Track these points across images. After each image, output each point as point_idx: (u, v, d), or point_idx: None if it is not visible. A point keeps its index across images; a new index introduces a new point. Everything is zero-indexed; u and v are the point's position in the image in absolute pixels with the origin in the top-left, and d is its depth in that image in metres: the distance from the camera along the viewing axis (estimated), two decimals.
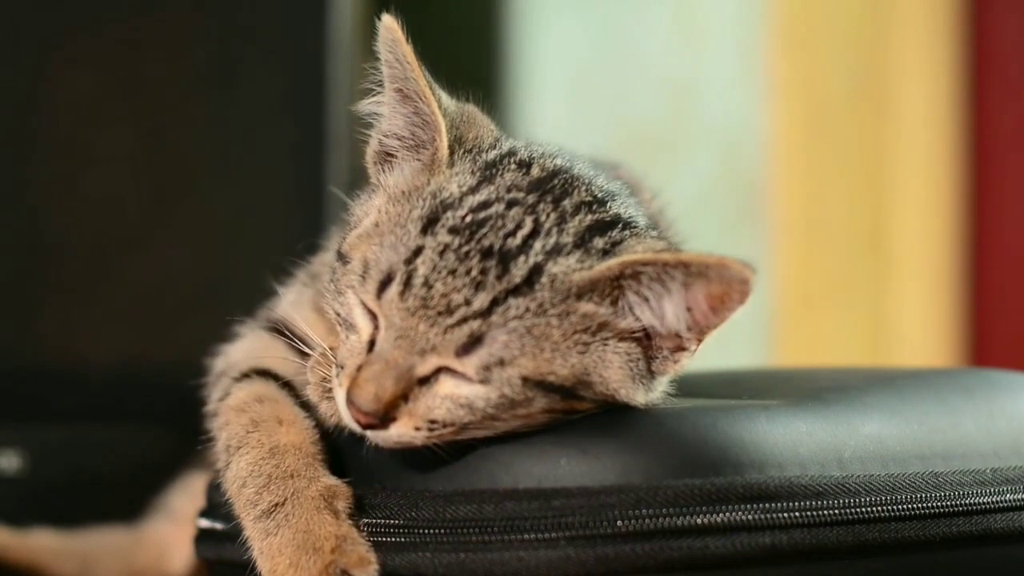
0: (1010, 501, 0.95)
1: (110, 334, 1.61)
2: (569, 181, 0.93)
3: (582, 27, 2.39)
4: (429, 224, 0.89)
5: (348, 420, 0.89)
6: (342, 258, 0.93)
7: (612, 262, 0.87)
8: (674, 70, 2.38)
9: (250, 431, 0.95)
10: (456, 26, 2.35)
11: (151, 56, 1.64)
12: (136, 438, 1.03)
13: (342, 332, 0.91)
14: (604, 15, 2.39)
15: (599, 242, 0.89)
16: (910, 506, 0.91)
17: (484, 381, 0.86)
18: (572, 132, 2.34)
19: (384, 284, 0.88)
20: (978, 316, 2.51)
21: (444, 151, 0.93)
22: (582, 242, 0.89)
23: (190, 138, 1.64)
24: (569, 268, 0.88)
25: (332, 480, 0.92)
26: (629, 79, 2.38)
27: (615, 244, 0.90)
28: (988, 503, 0.94)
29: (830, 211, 2.40)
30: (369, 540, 0.90)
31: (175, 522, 1.32)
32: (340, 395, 0.89)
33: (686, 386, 1.04)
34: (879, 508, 0.90)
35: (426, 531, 0.89)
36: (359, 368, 0.88)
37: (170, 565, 1.34)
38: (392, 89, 0.94)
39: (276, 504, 0.91)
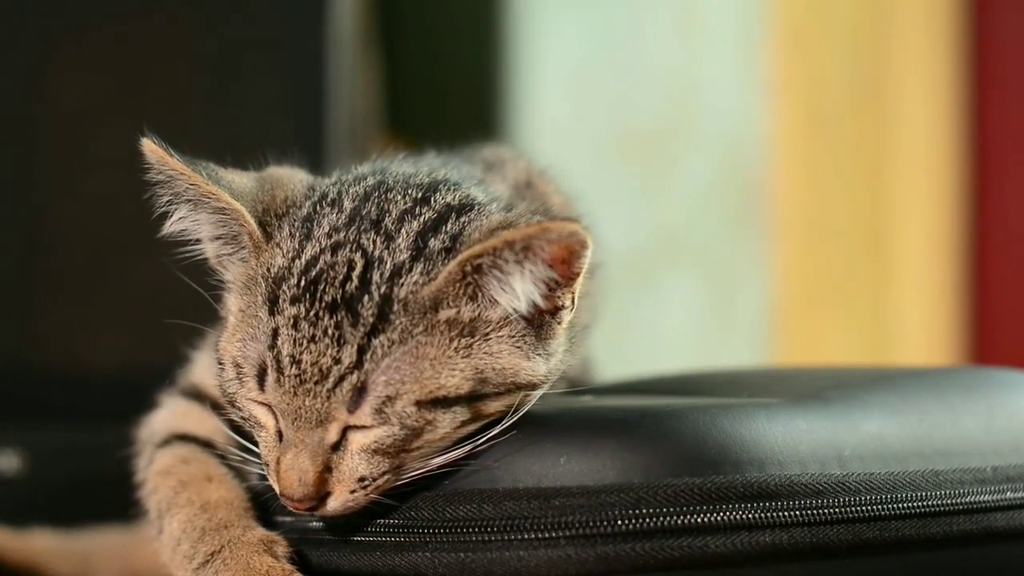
0: (1011, 499, 0.95)
1: (110, 335, 1.61)
2: (383, 196, 0.92)
3: (582, 26, 2.39)
4: (272, 304, 0.88)
5: (293, 510, 0.89)
6: (219, 364, 0.93)
7: (450, 266, 0.87)
8: (674, 69, 2.38)
9: (178, 491, 0.95)
10: (457, 26, 2.35)
11: (151, 57, 1.64)
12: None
13: (255, 431, 0.91)
14: (604, 14, 2.39)
15: (435, 243, 0.89)
16: (910, 504, 0.91)
17: (383, 422, 0.86)
18: (572, 132, 2.34)
19: (261, 377, 0.88)
20: (978, 315, 2.51)
21: (256, 231, 0.92)
22: (419, 251, 0.88)
23: (190, 138, 1.63)
24: (416, 284, 0.87)
25: (268, 532, 0.92)
26: (629, 78, 2.38)
27: (453, 237, 0.89)
28: (989, 501, 0.94)
29: (830, 211, 2.40)
30: (368, 539, 0.90)
31: None
32: (277, 491, 0.89)
33: (686, 385, 1.04)
34: (879, 506, 0.90)
35: (426, 531, 0.88)
36: (278, 461, 0.88)
37: None
38: (183, 202, 0.94)
39: (213, 553, 0.91)
